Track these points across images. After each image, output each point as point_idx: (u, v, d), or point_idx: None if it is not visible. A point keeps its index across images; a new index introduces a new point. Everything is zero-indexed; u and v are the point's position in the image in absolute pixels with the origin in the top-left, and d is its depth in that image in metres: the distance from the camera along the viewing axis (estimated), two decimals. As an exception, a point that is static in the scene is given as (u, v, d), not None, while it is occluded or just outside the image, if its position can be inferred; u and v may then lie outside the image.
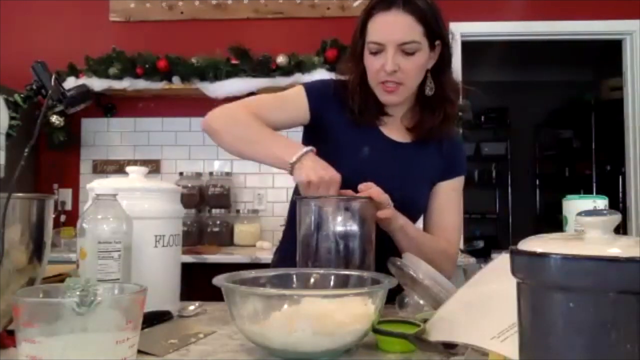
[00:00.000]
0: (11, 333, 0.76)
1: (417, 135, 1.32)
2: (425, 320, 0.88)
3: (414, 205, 1.30)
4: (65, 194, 3.32)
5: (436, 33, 1.23)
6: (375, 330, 0.84)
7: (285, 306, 0.79)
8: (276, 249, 1.51)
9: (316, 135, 1.31)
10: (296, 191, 1.29)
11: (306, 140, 1.33)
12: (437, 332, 0.80)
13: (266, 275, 0.97)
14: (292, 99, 1.32)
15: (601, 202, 1.00)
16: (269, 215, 3.27)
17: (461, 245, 3.31)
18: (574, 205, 1.01)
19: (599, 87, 5.43)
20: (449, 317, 0.83)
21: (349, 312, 0.79)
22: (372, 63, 1.23)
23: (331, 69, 2.91)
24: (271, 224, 3.22)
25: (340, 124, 1.30)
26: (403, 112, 1.34)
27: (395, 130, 1.34)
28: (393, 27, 1.19)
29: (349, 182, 1.13)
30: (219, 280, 0.85)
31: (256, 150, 1.21)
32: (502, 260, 0.83)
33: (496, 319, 0.69)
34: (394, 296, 1.05)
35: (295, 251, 1.13)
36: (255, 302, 0.80)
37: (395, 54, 1.19)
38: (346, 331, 0.79)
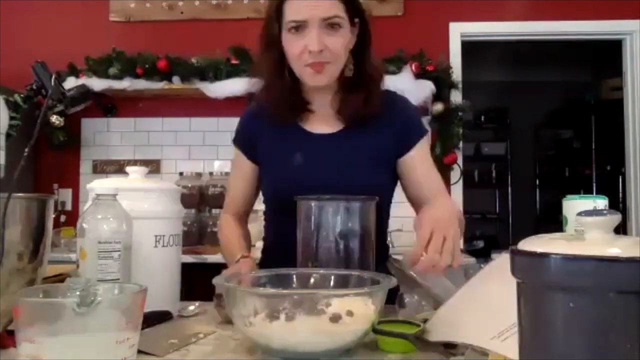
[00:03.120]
0: (11, 333, 0.76)
1: (346, 119, 1.26)
2: (425, 320, 0.88)
3: (371, 188, 1.17)
4: (65, 194, 3.32)
5: (356, 10, 1.19)
6: (375, 330, 0.84)
7: (285, 306, 0.79)
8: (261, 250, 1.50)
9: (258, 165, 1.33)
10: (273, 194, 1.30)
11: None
12: (437, 332, 0.80)
13: (266, 275, 0.97)
14: (237, 165, 1.36)
15: (601, 202, 1.00)
16: (269, 215, 3.26)
17: (461, 245, 3.32)
18: (574, 205, 1.01)
19: (599, 87, 5.43)
20: (449, 317, 0.83)
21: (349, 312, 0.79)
22: (293, 45, 1.16)
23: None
24: (271, 224, 3.21)
25: (266, 140, 1.29)
26: (328, 101, 1.27)
27: (324, 123, 1.27)
28: (315, 3, 1.13)
29: (287, 192, 1.12)
30: (219, 280, 0.85)
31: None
32: (502, 260, 0.83)
33: (496, 319, 0.69)
34: (394, 296, 1.05)
35: (279, 253, 1.12)
36: (255, 302, 0.80)
37: (319, 31, 1.13)
38: (346, 331, 0.79)
